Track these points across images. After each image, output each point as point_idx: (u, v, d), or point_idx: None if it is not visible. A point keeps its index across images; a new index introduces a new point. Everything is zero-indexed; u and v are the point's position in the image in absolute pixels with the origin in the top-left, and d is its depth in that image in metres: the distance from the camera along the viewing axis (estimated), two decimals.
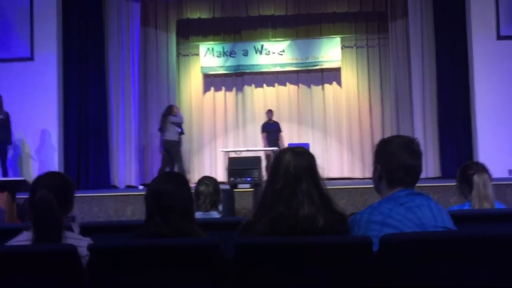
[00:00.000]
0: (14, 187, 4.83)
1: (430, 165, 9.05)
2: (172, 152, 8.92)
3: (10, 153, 8.29)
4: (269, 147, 9.45)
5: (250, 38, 11.14)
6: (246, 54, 10.92)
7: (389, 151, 1.95)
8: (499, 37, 8.45)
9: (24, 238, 2.06)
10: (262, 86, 11.19)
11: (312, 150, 2.05)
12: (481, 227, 2.62)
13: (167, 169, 9.10)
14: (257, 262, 1.75)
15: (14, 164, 8.57)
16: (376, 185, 2.02)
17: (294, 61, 10.88)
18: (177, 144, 8.99)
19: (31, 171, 8.55)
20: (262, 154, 9.11)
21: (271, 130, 9.93)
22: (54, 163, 8.60)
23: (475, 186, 2.95)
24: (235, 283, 1.76)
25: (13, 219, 4.60)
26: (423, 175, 2.23)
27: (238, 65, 10.94)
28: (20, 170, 8.61)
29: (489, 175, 3.02)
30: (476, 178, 2.96)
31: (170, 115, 8.95)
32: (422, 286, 1.71)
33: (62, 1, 9.00)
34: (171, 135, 8.87)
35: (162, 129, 9.20)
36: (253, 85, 11.19)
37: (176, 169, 8.95)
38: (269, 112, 10.13)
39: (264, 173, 7.54)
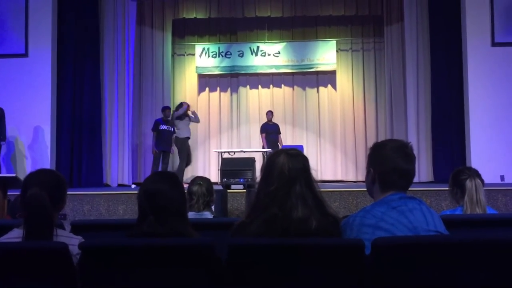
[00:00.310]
0: (5, 183, 4.79)
1: (423, 170, 9.09)
2: (179, 149, 8.89)
3: (3, 149, 8.22)
4: (268, 148, 9.42)
5: (246, 39, 11.14)
6: (241, 55, 10.90)
7: (382, 155, 1.95)
8: (494, 44, 8.50)
9: (14, 235, 2.05)
10: (257, 88, 11.20)
11: (305, 152, 2.05)
12: (473, 232, 2.63)
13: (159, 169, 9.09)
14: (251, 262, 1.75)
15: (7, 161, 8.52)
16: (369, 188, 2.02)
17: (290, 63, 10.88)
18: (183, 141, 8.92)
19: (24, 168, 8.50)
20: (256, 155, 9.09)
21: (270, 131, 9.87)
22: (47, 161, 8.55)
23: (467, 191, 2.97)
24: (228, 284, 1.76)
25: (4, 216, 4.57)
26: (415, 179, 2.24)
27: (233, 66, 10.92)
28: (14, 167, 8.56)
29: (482, 180, 3.03)
30: (468, 183, 2.97)
31: (176, 111, 8.94)
32: None
33: None
34: (179, 132, 8.86)
35: (155, 129, 9.26)
36: (248, 86, 11.19)
37: (172, 167, 8.94)
38: (269, 113, 10.07)
39: (257, 174, 7.50)
